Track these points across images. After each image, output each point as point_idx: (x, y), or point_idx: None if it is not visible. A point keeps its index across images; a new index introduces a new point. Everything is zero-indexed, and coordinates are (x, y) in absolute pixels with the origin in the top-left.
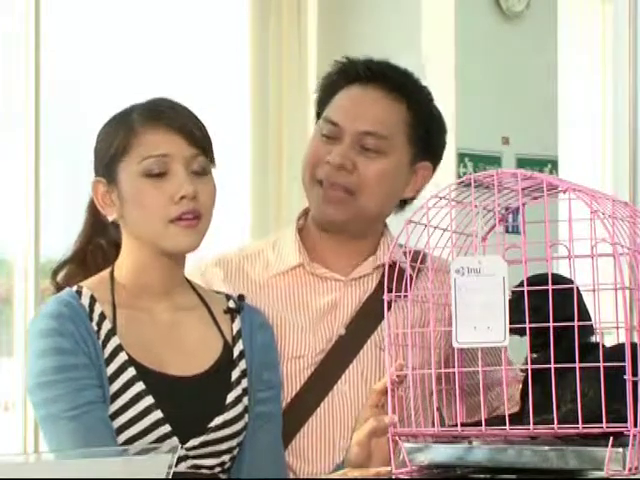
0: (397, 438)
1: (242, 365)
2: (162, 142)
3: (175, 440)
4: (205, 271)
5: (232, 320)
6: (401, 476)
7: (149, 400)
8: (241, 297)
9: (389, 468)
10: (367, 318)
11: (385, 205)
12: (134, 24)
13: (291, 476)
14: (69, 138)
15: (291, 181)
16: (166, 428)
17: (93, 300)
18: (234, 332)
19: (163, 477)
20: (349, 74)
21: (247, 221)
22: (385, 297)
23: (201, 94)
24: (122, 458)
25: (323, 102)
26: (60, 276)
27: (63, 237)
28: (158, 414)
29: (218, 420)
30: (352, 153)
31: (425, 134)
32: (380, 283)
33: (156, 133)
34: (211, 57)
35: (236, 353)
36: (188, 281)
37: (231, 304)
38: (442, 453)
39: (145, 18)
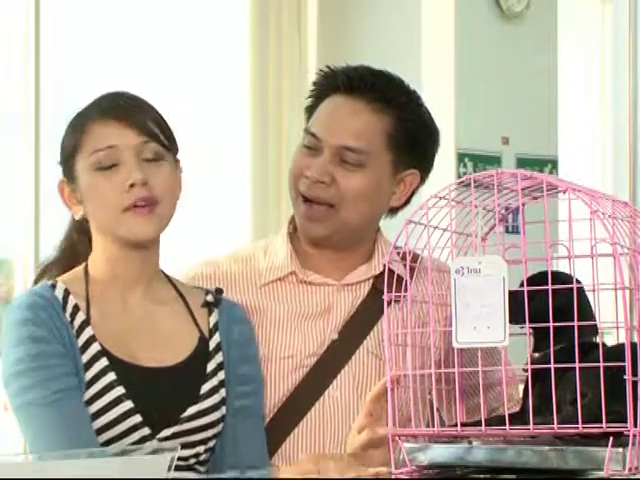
0: (397, 438)
1: (218, 358)
2: (109, 134)
3: (147, 430)
4: (194, 276)
5: (209, 314)
6: (401, 476)
7: (120, 390)
8: (219, 291)
9: (388, 468)
10: (360, 323)
11: (369, 216)
12: (134, 24)
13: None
14: None
15: None
16: (137, 418)
17: (67, 293)
18: (211, 325)
19: (163, 477)
20: (331, 84)
21: (247, 224)
22: (385, 297)
23: (201, 94)
24: (122, 458)
25: (310, 110)
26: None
27: None
28: (128, 404)
29: (191, 410)
30: (331, 166)
31: (409, 142)
32: (374, 289)
33: (104, 126)
34: (211, 57)
35: (212, 345)
36: (166, 275)
37: (209, 298)
38: (442, 453)
39: (145, 18)
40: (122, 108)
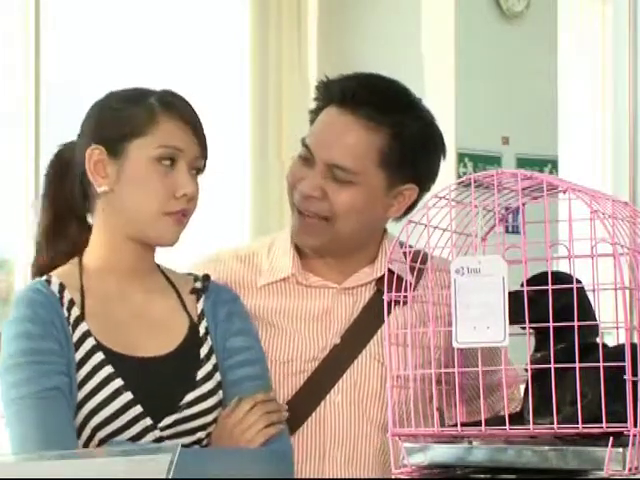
0: (397, 438)
1: (209, 342)
2: (178, 135)
3: (148, 421)
4: (198, 271)
5: (197, 300)
6: (401, 476)
7: (118, 382)
8: (206, 277)
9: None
10: (363, 328)
11: (364, 227)
12: (134, 24)
13: None
14: (69, 138)
15: None
16: (137, 409)
17: (62, 287)
18: (199, 311)
19: (163, 477)
20: (326, 96)
21: (247, 225)
22: (385, 297)
23: (201, 94)
24: (122, 458)
25: (312, 119)
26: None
27: None
28: (128, 396)
29: (190, 397)
30: (322, 181)
31: (405, 159)
32: (377, 292)
33: (175, 124)
34: (211, 57)
35: (202, 331)
36: (157, 265)
37: (197, 285)
38: (442, 453)
39: (145, 18)
40: (192, 114)
